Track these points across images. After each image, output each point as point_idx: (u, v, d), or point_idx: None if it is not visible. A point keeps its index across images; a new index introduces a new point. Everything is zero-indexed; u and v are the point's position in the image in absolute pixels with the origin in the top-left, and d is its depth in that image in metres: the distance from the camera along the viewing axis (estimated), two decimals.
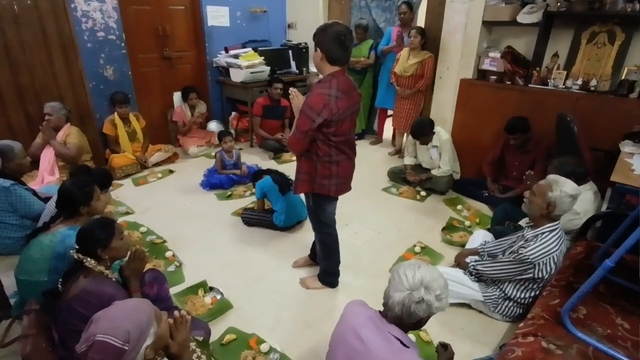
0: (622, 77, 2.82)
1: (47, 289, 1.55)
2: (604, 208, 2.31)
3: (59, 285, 1.52)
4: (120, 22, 3.77)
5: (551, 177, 1.92)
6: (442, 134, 3.40)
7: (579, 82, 2.95)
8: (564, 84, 3.02)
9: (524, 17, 3.07)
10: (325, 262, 2.26)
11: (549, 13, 2.93)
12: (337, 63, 1.77)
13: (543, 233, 1.88)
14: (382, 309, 1.32)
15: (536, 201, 1.90)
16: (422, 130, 3.32)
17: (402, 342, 1.21)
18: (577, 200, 2.30)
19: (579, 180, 2.36)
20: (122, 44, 3.85)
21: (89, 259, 1.53)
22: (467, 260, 2.19)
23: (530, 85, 3.12)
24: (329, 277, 2.29)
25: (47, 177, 3.17)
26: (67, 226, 1.86)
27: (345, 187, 2.03)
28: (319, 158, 1.88)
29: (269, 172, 3.02)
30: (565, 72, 3.04)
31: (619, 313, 1.70)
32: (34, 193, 2.52)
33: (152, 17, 4.09)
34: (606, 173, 2.21)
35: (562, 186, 1.84)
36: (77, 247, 1.55)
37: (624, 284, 1.82)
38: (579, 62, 3.04)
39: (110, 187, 2.69)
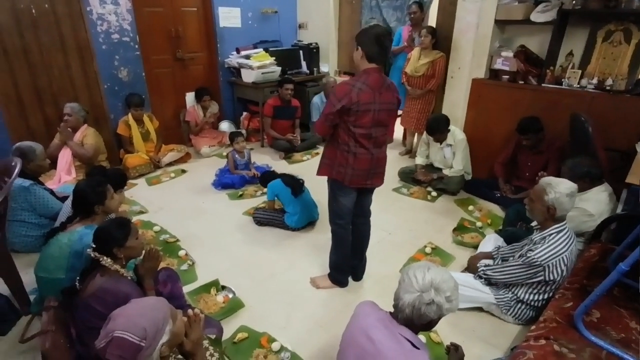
0: (639, 77, 2.77)
1: (65, 287, 1.59)
2: (619, 210, 2.27)
3: (76, 283, 1.57)
4: (134, 24, 3.83)
5: (544, 180, 1.92)
6: (458, 133, 3.39)
7: (594, 81, 2.91)
8: (578, 83, 2.98)
9: (537, 16, 3.04)
10: (332, 255, 2.30)
11: (563, 11, 2.89)
12: (374, 61, 1.88)
13: (550, 235, 1.87)
14: (392, 310, 1.33)
15: (536, 206, 1.91)
16: (439, 127, 3.31)
17: (412, 344, 1.22)
18: (592, 201, 2.30)
19: (594, 182, 2.34)
20: (136, 46, 3.91)
21: (105, 257, 1.57)
22: (478, 264, 2.18)
23: (543, 84, 3.09)
24: (338, 274, 2.31)
25: (65, 177, 3.25)
26: (84, 225, 1.91)
27: (360, 180, 2.05)
28: (339, 145, 1.98)
29: (278, 174, 3.03)
30: (580, 71, 2.99)
31: (633, 317, 1.68)
32: (52, 192, 2.59)
33: (165, 19, 4.15)
34: (622, 174, 2.18)
35: (556, 187, 1.83)
36: (94, 246, 1.60)
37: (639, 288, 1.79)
38: (594, 61, 2.99)
39: (125, 187, 2.74)
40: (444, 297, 1.22)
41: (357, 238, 2.29)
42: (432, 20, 4.35)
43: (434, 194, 3.49)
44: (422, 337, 1.89)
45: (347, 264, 2.31)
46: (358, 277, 2.39)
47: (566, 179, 1.90)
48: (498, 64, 3.31)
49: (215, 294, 2.21)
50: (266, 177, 3.09)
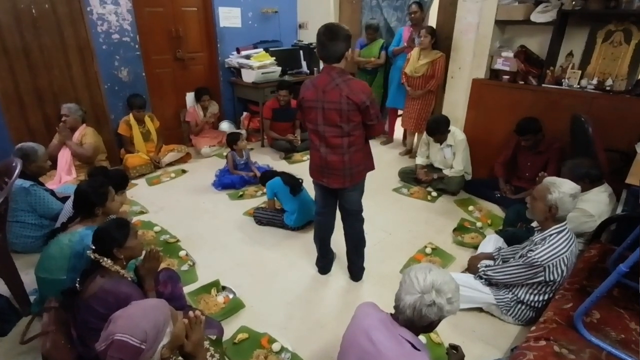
0: (639, 77, 2.77)
1: (66, 288, 1.59)
2: (619, 210, 2.27)
3: (76, 284, 1.57)
4: (134, 24, 3.83)
5: (548, 179, 1.92)
6: (458, 133, 3.39)
7: (594, 81, 2.91)
8: (578, 83, 2.97)
9: (537, 16, 3.03)
10: None
11: (563, 12, 2.88)
12: (321, 59, 1.96)
13: (551, 235, 1.87)
14: (393, 311, 1.33)
15: (538, 205, 1.90)
16: (439, 128, 3.31)
17: (413, 345, 1.22)
18: (592, 202, 2.30)
19: (594, 182, 2.34)
20: (136, 46, 3.91)
21: (105, 258, 1.57)
22: (478, 265, 2.18)
23: (543, 85, 3.08)
24: (316, 259, 2.47)
25: (65, 177, 3.25)
26: (85, 226, 1.92)
27: (316, 175, 2.15)
28: None
29: (277, 173, 3.04)
30: (580, 72, 2.99)
31: (633, 317, 1.68)
32: (52, 193, 2.60)
33: (166, 19, 4.15)
34: (622, 175, 2.18)
35: (559, 187, 1.83)
36: (93, 247, 1.60)
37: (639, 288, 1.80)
38: (594, 61, 2.99)
39: (126, 188, 2.74)
40: (445, 299, 1.22)
41: (346, 240, 2.33)
42: (432, 20, 4.34)
43: (434, 194, 3.49)
44: (422, 337, 1.89)
45: (320, 252, 2.42)
46: (354, 277, 2.39)
47: (569, 180, 1.90)
48: (498, 64, 3.31)
49: (216, 295, 2.22)
50: (266, 176, 3.10)
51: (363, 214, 2.27)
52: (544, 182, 1.93)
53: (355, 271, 2.38)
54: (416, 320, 1.23)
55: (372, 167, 2.17)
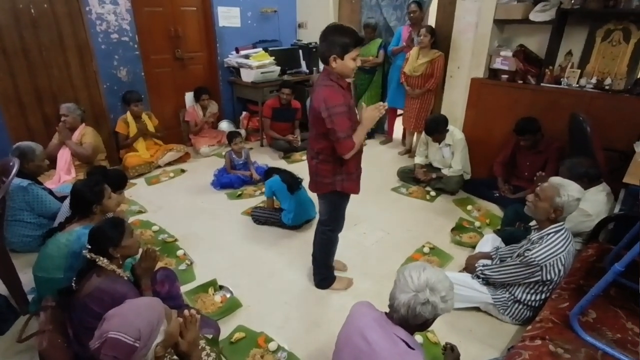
0: (638, 76, 2.77)
1: (62, 287, 1.59)
2: (616, 210, 2.27)
3: (72, 284, 1.57)
4: (133, 24, 3.83)
5: (556, 180, 1.90)
6: (456, 133, 3.38)
7: (593, 80, 2.90)
8: (577, 82, 2.97)
9: (536, 15, 3.03)
10: None
11: (562, 10, 2.88)
12: None
13: (548, 234, 1.87)
14: (388, 310, 1.33)
15: (542, 205, 1.88)
16: (437, 128, 3.31)
17: (407, 344, 1.22)
18: (590, 201, 2.29)
19: (592, 182, 2.34)
20: (135, 46, 3.91)
21: (101, 258, 1.57)
22: (476, 265, 2.17)
23: (542, 84, 3.08)
24: None
25: (64, 176, 3.25)
26: (82, 225, 1.92)
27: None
28: None
29: (278, 171, 3.05)
30: (579, 71, 2.99)
31: (630, 317, 1.68)
32: (50, 192, 2.60)
33: (165, 19, 4.14)
34: (620, 174, 2.18)
35: (568, 190, 1.82)
36: (89, 247, 1.60)
37: (636, 288, 1.79)
38: (594, 60, 2.98)
39: (125, 188, 2.74)
40: (439, 297, 1.22)
41: None
42: (431, 19, 4.34)
43: (432, 193, 3.48)
44: (419, 337, 1.89)
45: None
46: (315, 283, 2.34)
47: (573, 182, 1.89)
48: (497, 64, 3.31)
49: (213, 294, 2.22)
50: (268, 173, 3.10)
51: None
52: (550, 183, 1.90)
53: (315, 278, 2.33)
54: (410, 319, 1.23)
55: (350, 189, 1.98)
